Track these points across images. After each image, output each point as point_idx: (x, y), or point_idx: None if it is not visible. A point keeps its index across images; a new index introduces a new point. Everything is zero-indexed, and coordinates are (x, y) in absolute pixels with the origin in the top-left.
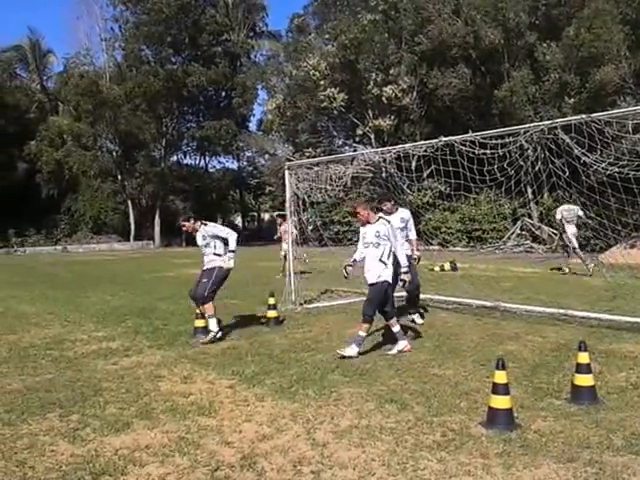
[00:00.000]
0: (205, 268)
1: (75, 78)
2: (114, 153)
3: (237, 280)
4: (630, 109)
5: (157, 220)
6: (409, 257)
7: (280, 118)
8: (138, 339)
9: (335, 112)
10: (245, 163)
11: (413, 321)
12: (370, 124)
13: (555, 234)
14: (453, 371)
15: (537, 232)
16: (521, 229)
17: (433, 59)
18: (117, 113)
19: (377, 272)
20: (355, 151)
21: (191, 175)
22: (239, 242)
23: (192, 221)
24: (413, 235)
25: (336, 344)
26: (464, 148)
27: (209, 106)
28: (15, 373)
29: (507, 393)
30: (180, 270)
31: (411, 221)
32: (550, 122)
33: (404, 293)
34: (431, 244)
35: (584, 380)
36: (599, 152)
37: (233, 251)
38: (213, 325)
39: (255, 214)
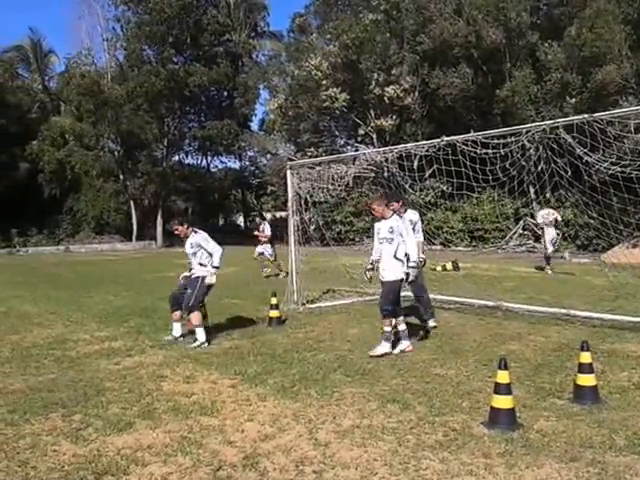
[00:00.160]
0: (190, 275)
1: (77, 78)
2: (116, 153)
3: (239, 280)
4: (632, 109)
5: (159, 220)
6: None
7: (282, 118)
8: (140, 339)
9: (337, 112)
10: (247, 163)
11: (425, 328)
12: (372, 124)
13: (557, 234)
14: (455, 371)
15: (539, 232)
16: (523, 229)
17: (435, 59)
18: (119, 113)
19: (392, 269)
20: (357, 151)
21: (193, 175)
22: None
23: (185, 226)
24: (420, 238)
25: (338, 344)
26: (466, 148)
27: (211, 106)
28: (18, 373)
29: (509, 393)
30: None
31: (419, 223)
32: (552, 122)
33: (409, 293)
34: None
35: (586, 380)
36: (601, 152)
37: (216, 267)
38: (201, 335)
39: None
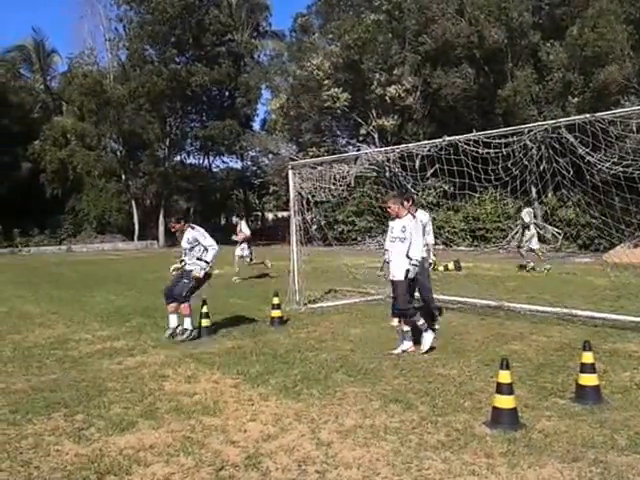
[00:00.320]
0: (186, 269)
1: (79, 78)
2: (118, 153)
3: (241, 279)
4: (634, 108)
5: (161, 220)
6: (424, 260)
7: (284, 118)
8: (142, 339)
9: (339, 112)
10: (249, 163)
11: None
12: (374, 124)
13: (559, 233)
14: (457, 371)
15: (541, 231)
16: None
17: (437, 59)
18: (121, 113)
19: (404, 268)
20: (359, 151)
21: (195, 175)
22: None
23: (182, 223)
24: (431, 239)
25: (340, 344)
26: (468, 147)
27: (213, 106)
28: (20, 373)
29: (511, 393)
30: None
31: (430, 225)
32: (554, 121)
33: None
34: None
35: (588, 380)
36: (603, 151)
37: (207, 262)
38: (188, 324)
39: (259, 214)
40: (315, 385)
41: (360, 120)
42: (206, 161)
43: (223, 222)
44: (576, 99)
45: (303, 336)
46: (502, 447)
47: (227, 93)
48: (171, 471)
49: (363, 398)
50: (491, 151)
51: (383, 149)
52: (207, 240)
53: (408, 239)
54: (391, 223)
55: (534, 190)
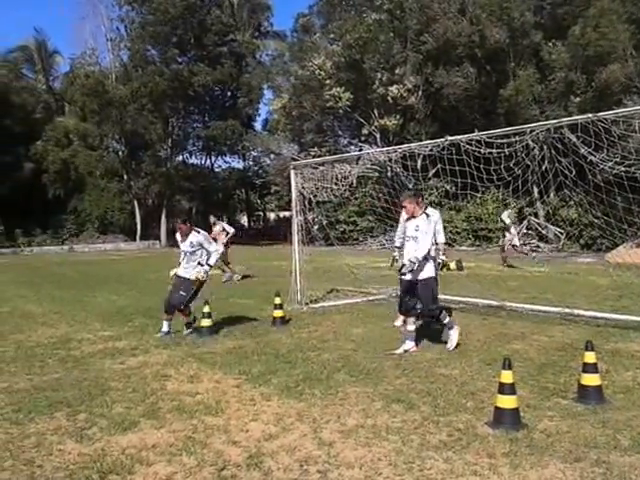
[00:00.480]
0: (183, 276)
1: (81, 78)
2: (120, 153)
3: (243, 279)
4: (636, 108)
5: (163, 220)
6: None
7: (285, 118)
8: (144, 339)
9: (340, 111)
10: (251, 163)
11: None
12: (376, 123)
13: (561, 233)
14: (459, 371)
15: (543, 231)
16: (527, 228)
17: (438, 58)
18: (123, 113)
19: (420, 268)
20: (361, 150)
21: (197, 175)
22: (243, 234)
23: (188, 225)
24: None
25: (342, 344)
26: (470, 147)
27: (215, 106)
28: (22, 372)
29: (513, 393)
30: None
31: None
32: (556, 121)
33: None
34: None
35: (591, 380)
36: (605, 151)
37: (210, 266)
38: (166, 326)
39: (261, 214)
40: (317, 385)
41: (362, 120)
42: (208, 161)
43: (225, 222)
44: (578, 99)
45: (305, 336)
46: (504, 447)
47: (229, 93)
48: (173, 470)
49: (365, 398)
50: (493, 151)
51: (385, 149)
52: (213, 245)
53: (420, 238)
54: (406, 223)
55: (536, 190)
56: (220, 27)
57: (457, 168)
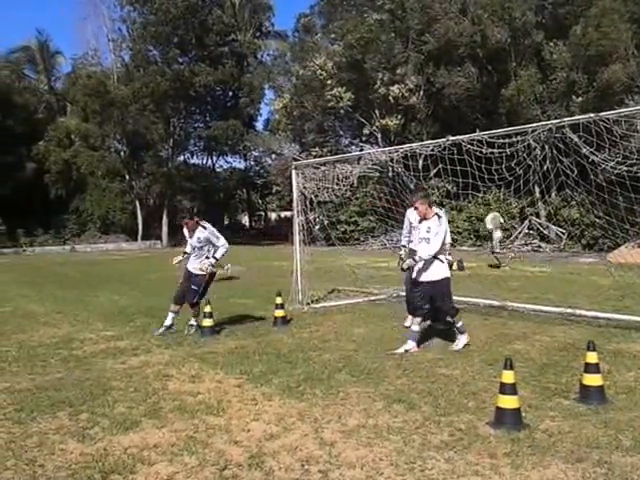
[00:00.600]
0: (193, 272)
1: (83, 78)
2: (122, 153)
3: (245, 279)
4: (638, 108)
5: (165, 220)
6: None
7: (287, 118)
8: (146, 338)
9: (342, 111)
10: (252, 163)
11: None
12: (377, 123)
13: (563, 233)
14: (461, 371)
15: (545, 231)
16: (529, 228)
17: (440, 58)
18: (125, 113)
19: (437, 269)
20: (362, 150)
21: (198, 175)
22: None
23: (195, 220)
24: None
25: (343, 344)
26: (471, 147)
27: (216, 106)
28: (25, 372)
29: (515, 393)
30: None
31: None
32: (558, 121)
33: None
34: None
35: (592, 380)
36: (607, 151)
37: (216, 259)
38: (193, 321)
39: (262, 214)
40: (318, 385)
41: (363, 120)
42: (209, 161)
43: (227, 222)
44: (580, 98)
45: (306, 336)
46: (506, 447)
47: (230, 93)
48: (175, 470)
49: (366, 398)
50: (495, 151)
51: (386, 149)
52: (220, 240)
53: (432, 240)
54: (418, 225)
55: (538, 190)
56: (221, 27)
57: (458, 168)
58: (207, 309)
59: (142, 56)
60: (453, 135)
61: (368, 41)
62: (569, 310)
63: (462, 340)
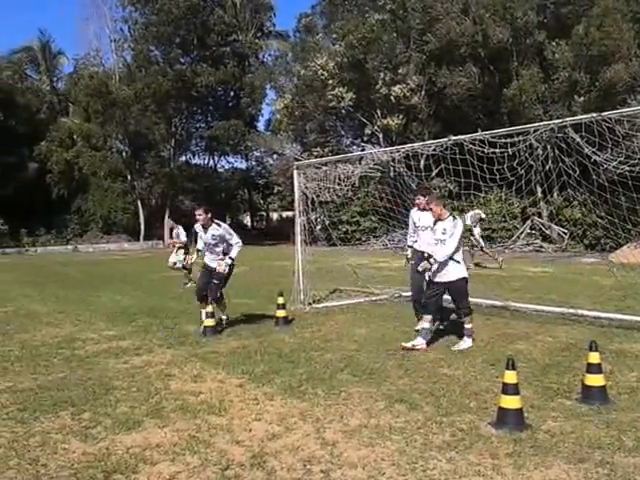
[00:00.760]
0: (211, 267)
1: (85, 79)
2: (124, 153)
3: (247, 279)
4: None
5: (166, 220)
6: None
7: (288, 118)
8: (148, 338)
9: (343, 111)
10: (253, 163)
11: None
12: (378, 123)
13: (565, 233)
14: (462, 371)
15: (547, 231)
16: (531, 228)
17: (441, 58)
18: (127, 113)
19: (453, 269)
20: (363, 150)
21: (200, 175)
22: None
23: (209, 215)
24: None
25: (345, 344)
26: (473, 147)
27: (218, 106)
28: (27, 372)
29: (517, 393)
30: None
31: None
32: (560, 121)
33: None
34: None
35: (595, 380)
36: (609, 151)
37: (232, 259)
38: (221, 313)
39: (264, 214)
40: (320, 385)
41: (365, 120)
42: (211, 161)
43: (228, 222)
44: (582, 98)
45: (308, 336)
46: (508, 448)
47: (232, 93)
48: (177, 470)
49: (368, 398)
50: (496, 151)
51: (388, 149)
52: (234, 238)
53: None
54: (434, 226)
55: (540, 190)
56: (223, 27)
57: (460, 168)
58: (209, 309)
59: (144, 56)
60: (455, 135)
61: (369, 41)
62: (571, 310)
63: (466, 343)
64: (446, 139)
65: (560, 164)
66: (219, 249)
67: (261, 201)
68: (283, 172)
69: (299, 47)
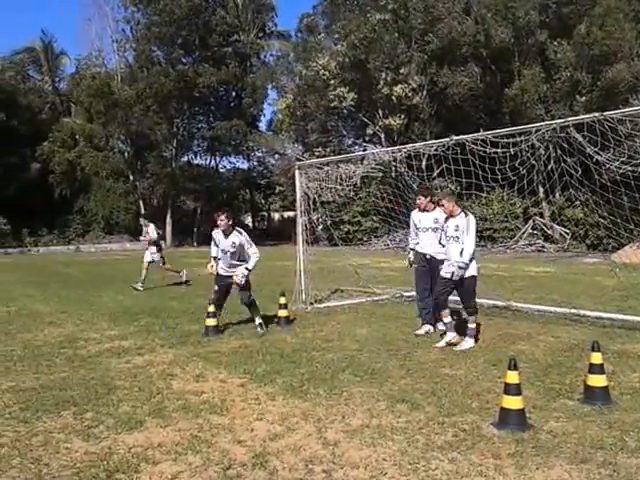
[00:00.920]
0: (228, 276)
1: (87, 79)
2: (126, 154)
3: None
4: None
5: (168, 220)
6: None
7: (290, 118)
8: (150, 338)
9: (345, 111)
10: (255, 163)
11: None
12: (380, 123)
13: (567, 233)
14: (464, 371)
15: (549, 231)
16: (533, 228)
17: (443, 58)
18: (129, 114)
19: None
20: (365, 150)
21: (202, 175)
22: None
23: (230, 221)
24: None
25: (347, 344)
26: (475, 147)
27: (220, 106)
28: (30, 371)
29: (519, 393)
30: (191, 270)
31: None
32: (562, 120)
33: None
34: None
35: (597, 380)
36: (612, 150)
37: (249, 270)
38: (259, 318)
39: (265, 214)
40: (322, 385)
41: (366, 120)
42: (213, 161)
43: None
44: (584, 98)
45: (309, 336)
46: (510, 448)
47: (234, 93)
48: (179, 469)
49: (370, 398)
50: (498, 150)
51: (390, 149)
52: (252, 248)
53: (462, 238)
54: (446, 223)
55: (542, 190)
56: (225, 28)
57: (462, 168)
58: (211, 309)
59: (146, 57)
60: (457, 135)
61: (371, 41)
62: (573, 310)
63: (468, 343)
64: (448, 139)
65: (562, 164)
66: (236, 258)
67: (263, 201)
68: (285, 172)
69: (301, 47)
